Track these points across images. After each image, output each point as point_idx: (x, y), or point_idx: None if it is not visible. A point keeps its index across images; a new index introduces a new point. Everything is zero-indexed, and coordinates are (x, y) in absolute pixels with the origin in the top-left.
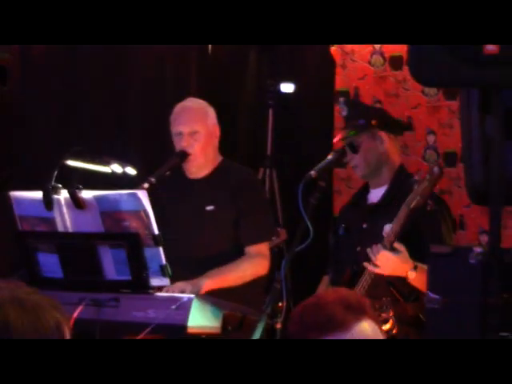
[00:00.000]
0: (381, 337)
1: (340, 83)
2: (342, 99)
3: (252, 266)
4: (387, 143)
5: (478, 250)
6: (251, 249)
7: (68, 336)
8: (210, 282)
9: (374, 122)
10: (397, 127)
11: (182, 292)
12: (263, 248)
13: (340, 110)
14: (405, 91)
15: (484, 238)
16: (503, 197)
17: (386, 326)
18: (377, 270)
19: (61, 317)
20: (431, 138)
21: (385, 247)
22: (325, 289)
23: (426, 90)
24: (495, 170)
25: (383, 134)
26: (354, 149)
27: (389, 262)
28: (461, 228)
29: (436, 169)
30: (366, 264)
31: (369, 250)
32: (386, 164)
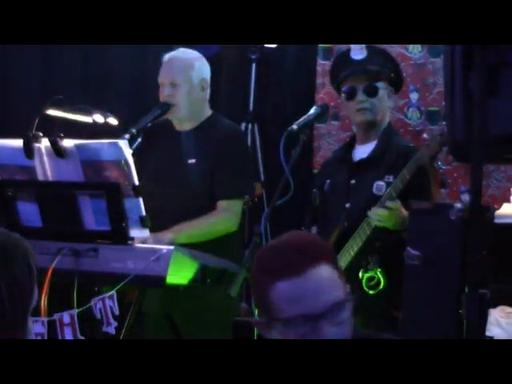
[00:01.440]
0: (337, 282)
1: None
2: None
3: (220, 222)
4: (392, 100)
5: (459, 206)
6: (221, 204)
7: (34, 268)
8: (174, 237)
9: (392, 75)
10: (400, 87)
11: (144, 244)
12: (235, 204)
13: (354, 52)
14: (389, 47)
15: (466, 198)
16: (485, 154)
17: (372, 283)
18: (380, 224)
19: (26, 249)
20: (414, 96)
21: (382, 205)
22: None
23: (411, 47)
24: (477, 127)
25: (392, 91)
26: (374, 92)
27: (391, 215)
28: (443, 187)
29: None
30: (372, 222)
31: (369, 212)
32: (384, 119)
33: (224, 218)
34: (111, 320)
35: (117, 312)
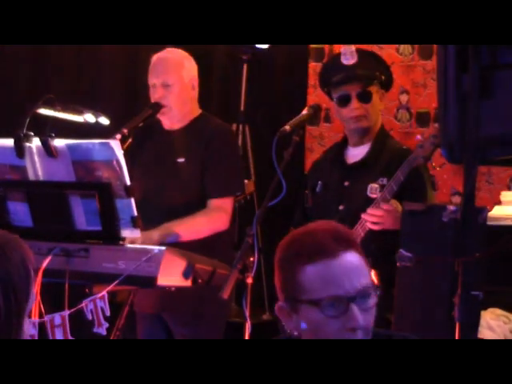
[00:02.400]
0: (366, 269)
1: None
2: (349, 47)
3: (209, 220)
4: (383, 102)
5: (452, 208)
6: (212, 202)
7: (32, 270)
8: (163, 235)
9: (383, 77)
10: (389, 88)
11: (132, 243)
12: (225, 202)
13: (344, 57)
14: (379, 49)
15: (456, 199)
16: (478, 155)
17: None
18: (378, 227)
19: (24, 251)
20: (404, 98)
21: (377, 206)
22: None
23: (401, 48)
24: (471, 129)
25: (383, 93)
26: (368, 98)
27: (389, 215)
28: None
29: None
30: (368, 224)
31: (363, 214)
32: (377, 122)
33: (215, 216)
34: (102, 321)
35: (108, 313)
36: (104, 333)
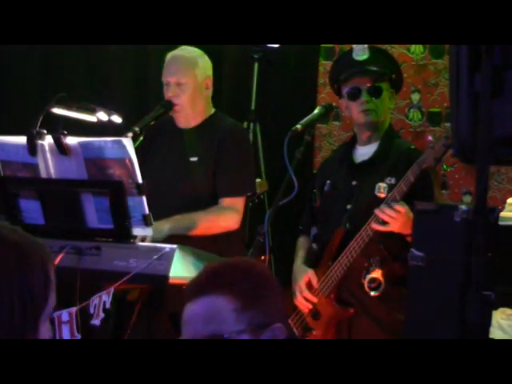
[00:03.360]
0: (227, 314)
1: None
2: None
3: (220, 218)
4: (393, 102)
5: (463, 208)
6: (224, 201)
7: (52, 275)
8: (172, 227)
9: (394, 75)
10: (399, 89)
11: (143, 240)
12: (237, 202)
13: (356, 53)
14: (390, 48)
15: (467, 199)
16: (490, 156)
17: (374, 285)
18: (385, 228)
19: (45, 255)
20: (416, 97)
21: (389, 206)
22: (306, 250)
23: (412, 47)
24: (483, 129)
25: (393, 92)
26: (379, 93)
27: (399, 217)
28: (444, 188)
29: None
30: (374, 225)
31: (377, 209)
32: (385, 121)
33: (226, 214)
34: (101, 312)
35: (108, 305)
36: (98, 324)
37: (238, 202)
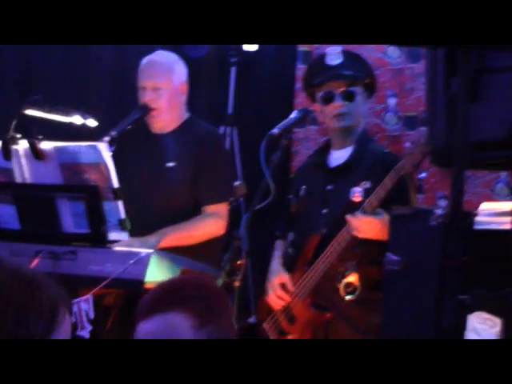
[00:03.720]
0: (186, 331)
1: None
2: (335, 47)
3: (207, 225)
4: (366, 106)
5: (439, 212)
6: (208, 208)
7: (64, 321)
8: (159, 240)
9: (368, 80)
10: (373, 93)
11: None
12: (221, 208)
13: (329, 57)
14: (367, 53)
15: (443, 203)
16: (466, 160)
17: (349, 289)
18: (361, 235)
19: (59, 300)
20: (392, 101)
21: (365, 212)
22: (283, 252)
23: (389, 52)
24: (459, 133)
25: (367, 96)
26: (352, 96)
27: (372, 226)
28: (419, 192)
29: None
30: (352, 231)
31: (349, 216)
32: (359, 125)
33: (212, 222)
34: (86, 324)
35: (92, 316)
36: (87, 336)
37: (222, 208)
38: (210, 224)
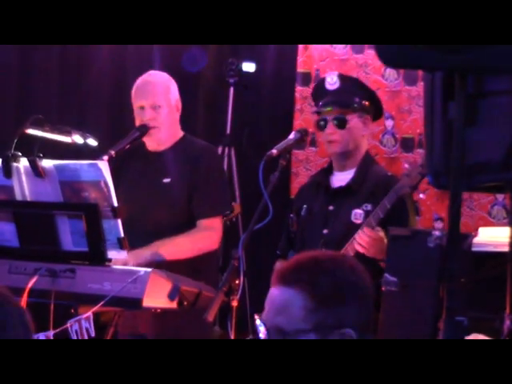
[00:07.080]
0: (297, 310)
1: (302, 65)
2: (333, 72)
3: (200, 239)
4: (369, 128)
5: (437, 233)
6: (202, 222)
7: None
8: (154, 253)
9: (367, 103)
10: (379, 113)
11: (125, 265)
12: (215, 222)
13: (327, 82)
14: (365, 75)
15: (439, 225)
16: (464, 181)
17: None
18: (365, 251)
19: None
20: (389, 123)
21: (370, 229)
22: None
23: (386, 74)
24: (457, 156)
25: (368, 118)
26: (343, 124)
27: (381, 243)
28: (415, 214)
29: None
30: (356, 246)
31: (359, 232)
32: (359, 148)
33: (205, 235)
34: None
35: (93, 334)
36: None
37: (216, 222)
38: (204, 238)
